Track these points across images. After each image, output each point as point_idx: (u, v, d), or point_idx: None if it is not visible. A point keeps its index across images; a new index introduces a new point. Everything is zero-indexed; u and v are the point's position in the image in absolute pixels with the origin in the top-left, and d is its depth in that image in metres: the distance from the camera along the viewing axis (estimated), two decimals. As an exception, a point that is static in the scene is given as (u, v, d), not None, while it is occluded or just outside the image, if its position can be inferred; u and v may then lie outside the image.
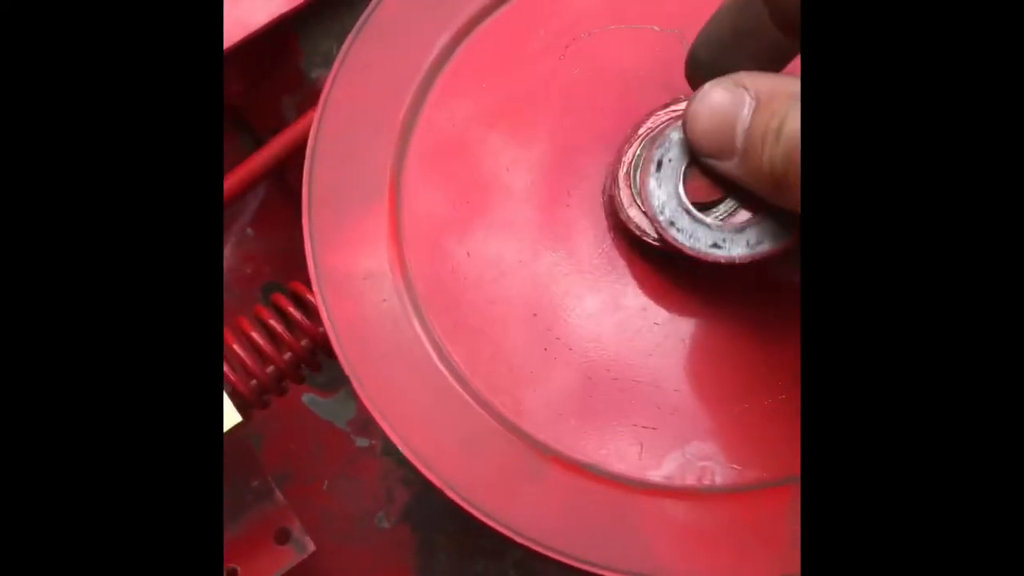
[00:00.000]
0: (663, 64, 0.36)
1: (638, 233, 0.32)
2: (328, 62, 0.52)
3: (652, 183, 0.31)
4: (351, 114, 0.35)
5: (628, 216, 0.33)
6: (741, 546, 0.31)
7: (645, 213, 0.32)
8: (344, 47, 0.35)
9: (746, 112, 0.27)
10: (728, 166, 0.29)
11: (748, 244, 0.30)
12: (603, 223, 0.35)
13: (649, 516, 0.32)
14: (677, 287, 0.34)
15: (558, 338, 0.33)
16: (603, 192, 0.35)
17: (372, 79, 0.35)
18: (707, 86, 0.29)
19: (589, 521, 0.31)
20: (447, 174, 0.35)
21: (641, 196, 0.32)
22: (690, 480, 0.32)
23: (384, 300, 0.33)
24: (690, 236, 0.31)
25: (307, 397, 0.58)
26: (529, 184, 0.35)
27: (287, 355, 0.42)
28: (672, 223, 0.31)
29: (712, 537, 0.31)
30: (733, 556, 0.31)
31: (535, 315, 0.34)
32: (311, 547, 0.49)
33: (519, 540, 0.31)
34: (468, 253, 0.34)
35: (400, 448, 0.31)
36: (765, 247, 0.30)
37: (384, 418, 0.32)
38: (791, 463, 0.32)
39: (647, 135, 0.33)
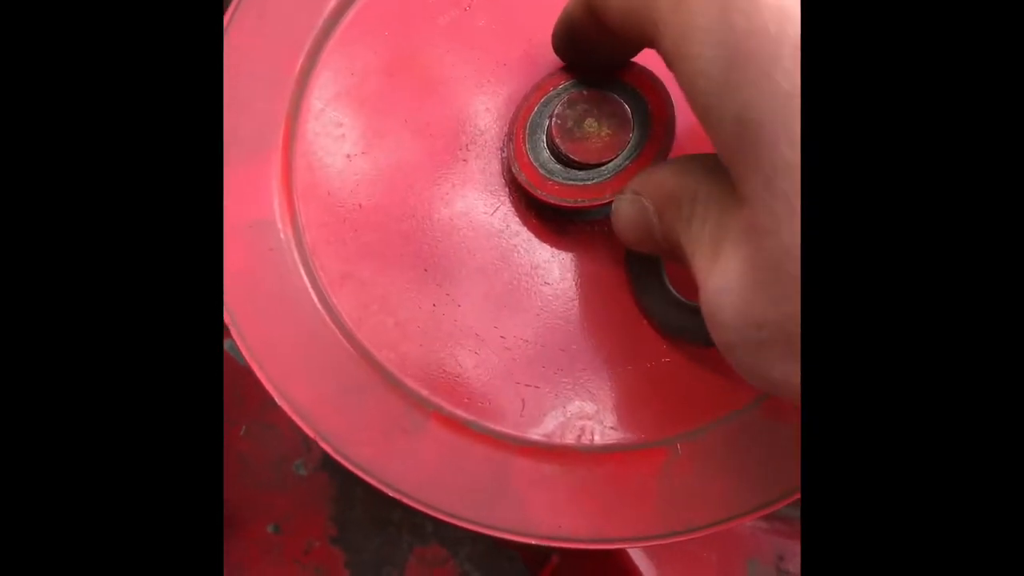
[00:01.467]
0: (569, 20, 0.35)
1: (528, 189, 0.32)
2: None
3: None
4: (245, 61, 0.34)
5: (519, 172, 0.32)
6: (611, 505, 0.31)
7: (536, 167, 0.32)
8: (236, -10, 0.34)
9: (653, 219, 0.29)
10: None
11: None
12: (500, 179, 0.34)
13: (526, 474, 0.32)
14: (568, 248, 0.34)
15: (447, 294, 0.33)
16: (501, 148, 0.35)
17: (267, 26, 0.34)
18: (615, 203, 0.31)
19: (466, 477, 0.32)
20: (344, 125, 0.34)
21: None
22: (569, 439, 0.32)
23: (271, 249, 0.33)
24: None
25: (227, 343, 0.57)
26: (427, 137, 0.35)
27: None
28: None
29: (584, 496, 0.32)
30: (602, 515, 0.31)
31: (426, 270, 0.33)
32: (220, 492, 0.50)
33: (392, 494, 0.31)
34: (360, 205, 0.34)
35: (275, 397, 0.31)
36: None
37: (261, 367, 0.32)
38: (667, 425, 0.32)
39: (544, 92, 0.33)
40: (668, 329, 0.33)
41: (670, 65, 0.24)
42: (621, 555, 0.44)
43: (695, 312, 0.31)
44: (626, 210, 0.30)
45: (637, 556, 0.43)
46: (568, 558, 0.52)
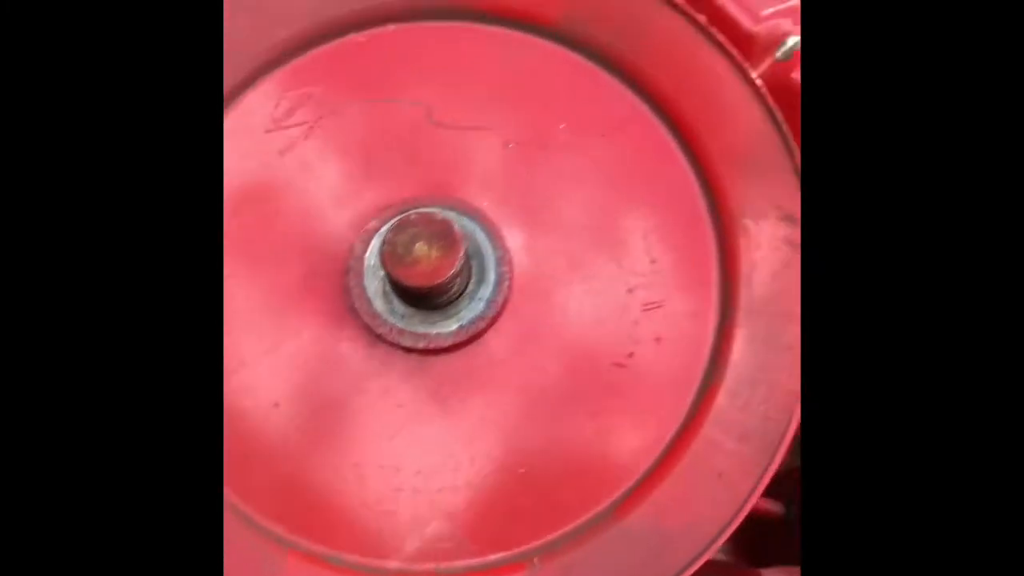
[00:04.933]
0: (410, 135, 0.36)
1: (372, 327, 0.33)
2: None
3: None
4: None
5: (362, 308, 0.33)
6: (474, 628, 0.31)
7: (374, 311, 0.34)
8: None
9: None
10: None
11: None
12: (342, 310, 0.34)
13: (388, 604, 0.32)
14: (419, 367, 0.34)
15: (298, 427, 0.33)
16: (344, 277, 0.35)
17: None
18: None
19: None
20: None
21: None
22: (428, 564, 0.32)
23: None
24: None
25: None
26: (271, 267, 0.35)
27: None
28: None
29: (447, 621, 0.32)
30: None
31: (277, 405, 0.34)
32: None
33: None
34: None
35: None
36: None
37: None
38: (525, 536, 0.32)
39: (387, 227, 0.33)
40: None
41: None
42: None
43: None
44: None
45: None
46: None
